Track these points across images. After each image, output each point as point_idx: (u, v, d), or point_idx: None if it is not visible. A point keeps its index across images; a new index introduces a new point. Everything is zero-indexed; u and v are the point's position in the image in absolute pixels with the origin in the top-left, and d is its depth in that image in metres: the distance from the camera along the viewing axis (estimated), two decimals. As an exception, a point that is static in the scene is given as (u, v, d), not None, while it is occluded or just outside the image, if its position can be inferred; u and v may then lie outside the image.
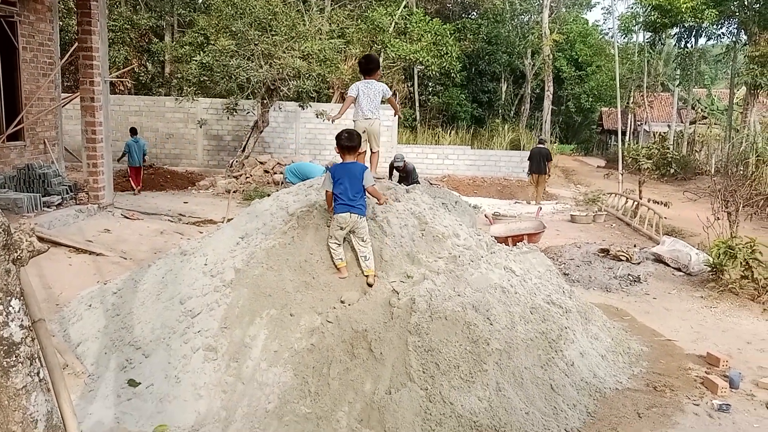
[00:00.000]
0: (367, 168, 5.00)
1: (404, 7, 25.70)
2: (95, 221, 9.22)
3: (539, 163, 17.05)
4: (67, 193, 9.96)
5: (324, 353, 4.34)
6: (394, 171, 11.63)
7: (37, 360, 2.37)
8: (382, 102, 5.97)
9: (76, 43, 9.92)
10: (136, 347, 4.63)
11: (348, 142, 4.91)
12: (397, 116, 5.89)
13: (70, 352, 4.78)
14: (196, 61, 16.04)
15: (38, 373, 2.35)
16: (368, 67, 5.81)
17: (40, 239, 7.33)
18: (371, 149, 5.93)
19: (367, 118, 5.71)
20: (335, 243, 4.88)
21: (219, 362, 4.38)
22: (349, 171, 4.82)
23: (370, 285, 4.79)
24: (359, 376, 4.21)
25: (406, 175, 11.35)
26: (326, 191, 4.99)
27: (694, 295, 7.66)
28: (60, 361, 4.50)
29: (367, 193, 4.94)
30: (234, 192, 14.50)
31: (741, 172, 17.68)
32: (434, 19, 26.18)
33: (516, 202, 17.87)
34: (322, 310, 4.63)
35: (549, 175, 17.47)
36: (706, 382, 5.11)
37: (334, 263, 4.92)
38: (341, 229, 4.82)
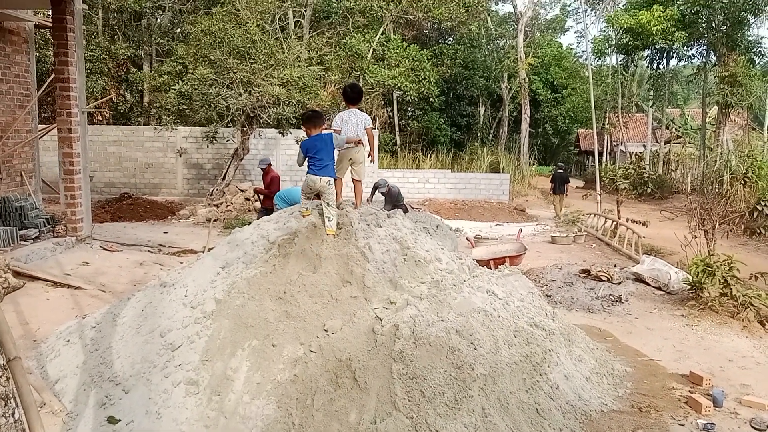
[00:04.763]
0: (332, 133, 5.58)
1: (382, 34, 25.92)
2: (73, 254, 9.08)
3: (560, 184, 19.96)
4: (45, 226, 9.80)
5: (307, 384, 4.29)
6: (377, 193, 11.74)
7: (12, 400, 2.32)
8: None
9: (53, 74, 9.87)
10: (116, 383, 4.54)
11: (314, 116, 5.67)
12: (369, 156, 6.04)
13: (48, 390, 4.67)
14: (174, 89, 15.98)
15: (13, 414, 2.30)
16: (353, 96, 5.97)
17: (17, 274, 7.24)
18: (354, 178, 5.93)
19: (350, 148, 5.76)
20: (305, 198, 5.71)
21: (201, 396, 4.31)
22: (321, 141, 5.48)
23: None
24: (344, 407, 4.17)
25: (389, 198, 11.43)
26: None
27: (675, 314, 7.72)
28: (37, 399, 4.40)
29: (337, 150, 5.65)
30: (215, 221, 14.39)
31: (716, 190, 18.02)
32: (411, 45, 26.43)
33: (497, 224, 17.98)
34: (305, 339, 4.59)
35: (567, 194, 20.36)
36: (690, 401, 5.13)
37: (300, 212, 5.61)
38: (311, 189, 5.53)
